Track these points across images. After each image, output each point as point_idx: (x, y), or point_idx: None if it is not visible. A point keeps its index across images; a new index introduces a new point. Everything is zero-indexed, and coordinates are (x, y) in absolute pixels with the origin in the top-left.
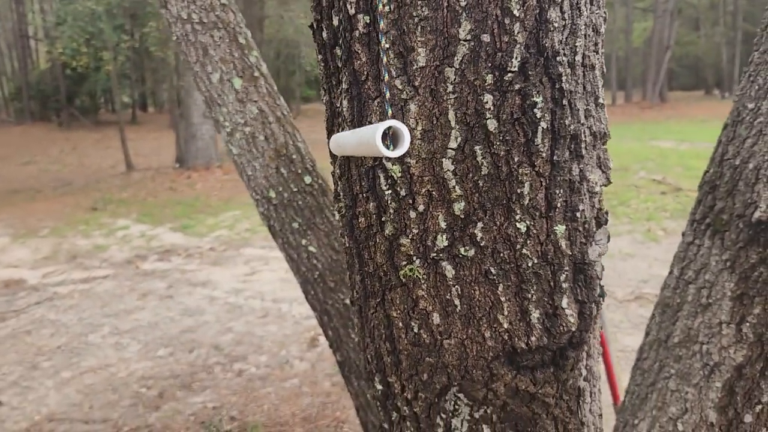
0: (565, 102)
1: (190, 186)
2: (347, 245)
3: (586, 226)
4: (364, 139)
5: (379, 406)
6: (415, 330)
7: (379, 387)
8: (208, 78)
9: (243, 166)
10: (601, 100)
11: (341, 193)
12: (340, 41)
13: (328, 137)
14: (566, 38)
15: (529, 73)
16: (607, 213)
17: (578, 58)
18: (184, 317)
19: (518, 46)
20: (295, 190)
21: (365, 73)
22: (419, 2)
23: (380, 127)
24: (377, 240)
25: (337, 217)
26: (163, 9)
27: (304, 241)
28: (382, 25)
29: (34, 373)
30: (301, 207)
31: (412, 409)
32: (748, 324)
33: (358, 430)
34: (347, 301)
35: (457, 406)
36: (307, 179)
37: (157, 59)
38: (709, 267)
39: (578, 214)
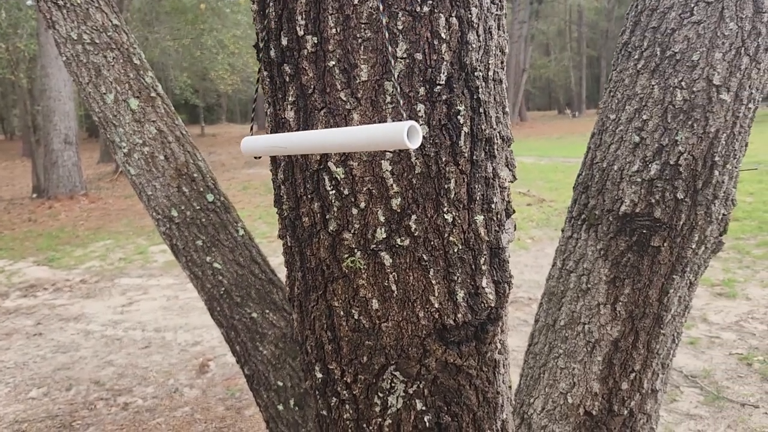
0: (481, 110)
1: (52, 216)
2: (288, 245)
3: (499, 216)
4: (377, 135)
5: (317, 395)
6: (356, 317)
7: (319, 375)
8: (101, 99)
9: (142, 186)
10: (507, 109)
11: (285, 196)
12: (288, 59)
13: None
14: (481, 57)
15: (454, 86)
16: (512, 205)
17: (491, 73)
18: (57, 354)
19: (445, 63)
20: (198, 208)
21: (312, 87)
22: (362, 25)
23: (406, 126)
24: (321, 237)
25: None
26: (51, 29)
27: (208, 258)
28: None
29: None
30: (205, 224)
31: (352, 392)
32: (620, 303)
33: None
34: (254, 315)
35: (393, 384)
36: (210, 197)
37: (7, 83)
38: (587, 256)
39: (493, 206)
